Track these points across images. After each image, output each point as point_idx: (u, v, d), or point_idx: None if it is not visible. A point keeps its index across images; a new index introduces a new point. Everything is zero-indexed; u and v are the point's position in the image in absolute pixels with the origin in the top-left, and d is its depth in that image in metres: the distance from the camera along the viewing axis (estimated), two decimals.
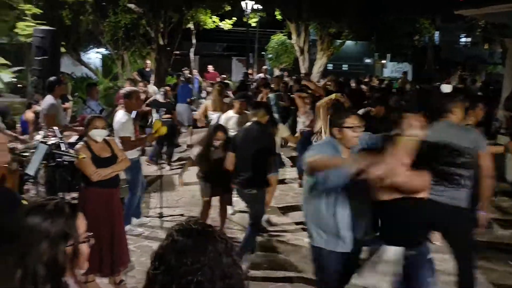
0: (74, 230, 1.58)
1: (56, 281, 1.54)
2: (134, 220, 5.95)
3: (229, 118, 6.55)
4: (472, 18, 15.70)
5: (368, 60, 33.40)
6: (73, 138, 6.53)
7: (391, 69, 30.22)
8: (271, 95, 9.64)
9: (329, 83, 10.15)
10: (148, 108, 9.42)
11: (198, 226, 1.43)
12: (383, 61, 31.76)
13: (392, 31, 19.08)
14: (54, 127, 5.94)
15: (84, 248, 1.62)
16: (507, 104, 8.84)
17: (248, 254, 4.99)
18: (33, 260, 1.47)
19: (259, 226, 5.20)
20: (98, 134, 4.31)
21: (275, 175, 6.34)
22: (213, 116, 7.34)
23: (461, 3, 11.35)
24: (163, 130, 5.74)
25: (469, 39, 30.54)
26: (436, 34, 26.85)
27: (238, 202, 6.06)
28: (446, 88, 10.68)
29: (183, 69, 15.54)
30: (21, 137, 7.08)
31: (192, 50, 19.77)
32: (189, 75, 13.50)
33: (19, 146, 5.27)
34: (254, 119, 5.14)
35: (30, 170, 4.06)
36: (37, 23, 9.77)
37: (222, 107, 7.42)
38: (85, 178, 4.31)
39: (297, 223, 6.22)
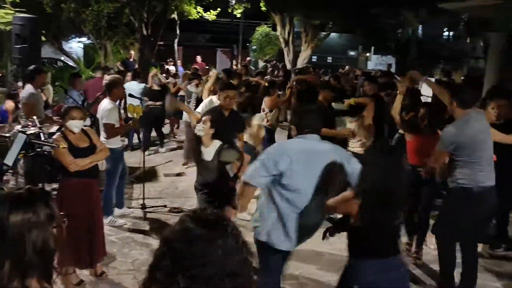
0: (56, 211, 1.59)
1: (48, 266, 1.55)
2: (117, 211, 5.87)
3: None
4: (455, 11, 15.74)
5: (352, 53, 33.54)
6: (54, 128, 6.41)
7: (375, 62, 30.34)
8: None
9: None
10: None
11: (213, 217, 1.36)
12: (367, 54, 31.90)
13: (377, 24, 19.10)
14: (34, 117, 5.82)
15: (64, 228, 1.65)
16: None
17: None
18: (25, 248, 1.48)
19: None
20: (75, 125, 4.24)
21: None
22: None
23: None
24: (139, 110, 6.08)
25: (452, 33, 30.82)
26: (420, 27, 27.02)
27: None
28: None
29: (168, 60, 15.38)
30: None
31: (176, 40, 19.58)
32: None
33: None
34: None
35: (8, 160, 3.96)
36: (17, 11, 9.54)
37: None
38: (63, 169, 4.24)
39: None
